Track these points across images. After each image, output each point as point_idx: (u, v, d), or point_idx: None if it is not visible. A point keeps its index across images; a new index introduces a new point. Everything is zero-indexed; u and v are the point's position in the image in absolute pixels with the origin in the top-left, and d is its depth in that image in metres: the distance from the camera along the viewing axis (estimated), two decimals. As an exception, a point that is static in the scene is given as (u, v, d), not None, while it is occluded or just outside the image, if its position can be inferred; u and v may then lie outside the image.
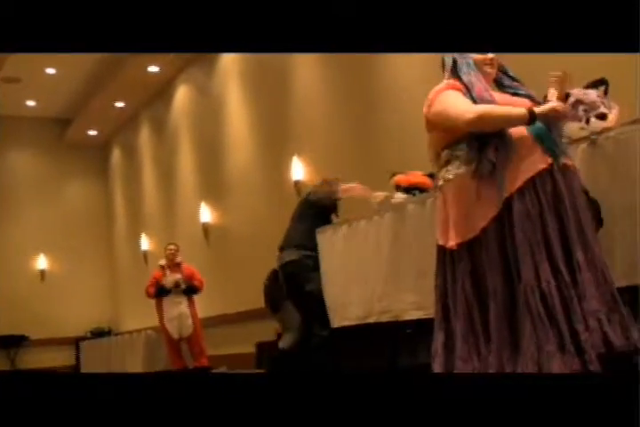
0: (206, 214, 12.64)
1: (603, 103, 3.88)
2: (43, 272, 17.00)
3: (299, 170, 9.93)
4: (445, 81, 3.26)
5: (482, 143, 3.04)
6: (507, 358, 2.88)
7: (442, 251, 3.20)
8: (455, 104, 3.09)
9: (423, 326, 4.63)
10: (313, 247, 5.75)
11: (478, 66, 3.25)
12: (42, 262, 17.01)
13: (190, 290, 9.99)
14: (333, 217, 6.15)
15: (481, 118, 2.98)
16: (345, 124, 9.08)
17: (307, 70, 9.93)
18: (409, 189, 5.74)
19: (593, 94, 3.90)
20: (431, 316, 4.47)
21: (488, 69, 3.28)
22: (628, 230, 3.29)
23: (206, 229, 12.63)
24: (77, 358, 16.49)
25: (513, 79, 3.34)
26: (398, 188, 5.82)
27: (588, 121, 3.75)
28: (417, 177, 5.86)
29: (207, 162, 12.69)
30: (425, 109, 3.24)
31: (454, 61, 3.30)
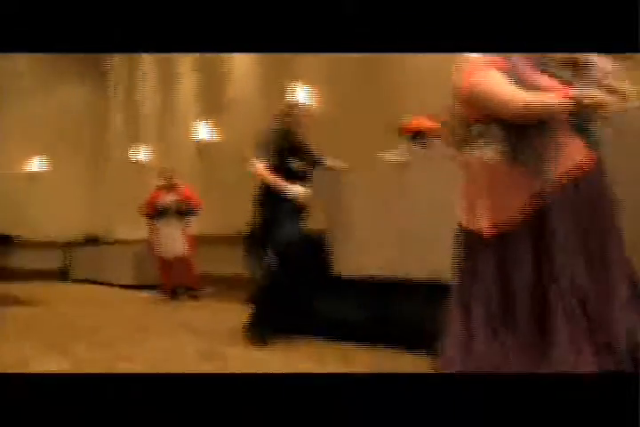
0: (205, 131, 12.57)
1: (613, 76, 3.73)
2: (34, 174, 16.96)
3: (302, 95, 9.83)
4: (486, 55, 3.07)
5: (522, 129, 2.94)
6: (537, 353, 2.87)
7: (466, 232, 3.12)
8: (501, 89, 2.94)
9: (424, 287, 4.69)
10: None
11: None
12: (35, 164, 16.95)
13: (186, 212, 10.02)
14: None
15: (526, 109, 2.88)
16: (356, 57, 8.95)
17: None
18: (416, 135, 5.65)
19: (608, 63, 3.74)
20: (434, 278, 4.56)
21: None
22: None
23: (203, 146, 12.58)
24: (65, 264, 16.65)
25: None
26: (406, 132, 5.72)
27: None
28: (426, 122, 5.70)
29: (212, 78, 12.53)
30: (462, 82, 3.07)
31: None
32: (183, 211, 9.97)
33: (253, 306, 5.77)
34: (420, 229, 4.71)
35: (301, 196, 5.57)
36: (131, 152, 15.73)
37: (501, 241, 2.97)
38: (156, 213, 10.00)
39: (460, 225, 3.17)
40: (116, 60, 17.18)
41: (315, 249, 5.61)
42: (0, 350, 5.34)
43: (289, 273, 5.57)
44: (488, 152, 3.02)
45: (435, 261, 4.51)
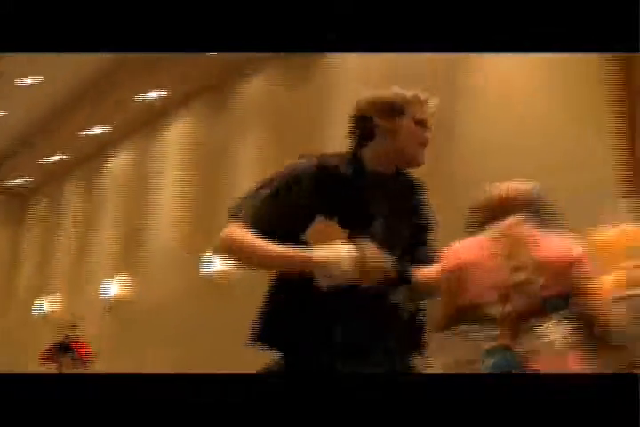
0: (116, 287, 12.10)
1: None
2: None
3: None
4: None
5: None
6: None
7: None
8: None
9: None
10: None
11: None
12: None
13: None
14: None
15: None
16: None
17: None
18: None
19: None
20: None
21: None
22: None
23: (113, 302, 12.09)
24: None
25: None
26: None
27: None
28: None
29: (128, 234, 12.24)
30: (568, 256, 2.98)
31: None
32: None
33: None
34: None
35: (355, 262, 2.38)
36: (36, 302, 14.93)
37: None
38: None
39: None
40: (37, 200, 16.72)
41: None
42: None
43: None
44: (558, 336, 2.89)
45: None
